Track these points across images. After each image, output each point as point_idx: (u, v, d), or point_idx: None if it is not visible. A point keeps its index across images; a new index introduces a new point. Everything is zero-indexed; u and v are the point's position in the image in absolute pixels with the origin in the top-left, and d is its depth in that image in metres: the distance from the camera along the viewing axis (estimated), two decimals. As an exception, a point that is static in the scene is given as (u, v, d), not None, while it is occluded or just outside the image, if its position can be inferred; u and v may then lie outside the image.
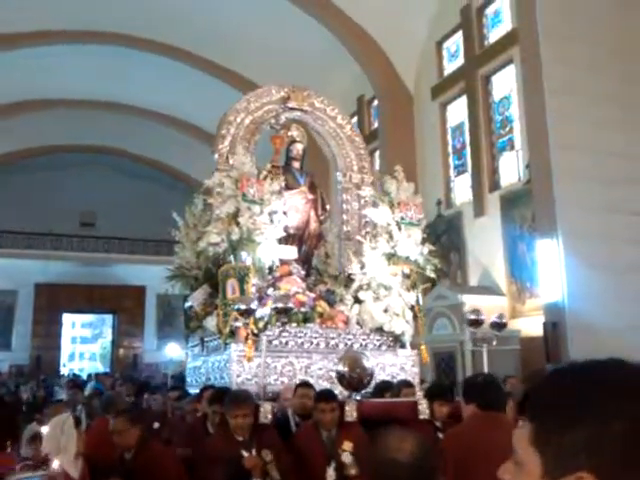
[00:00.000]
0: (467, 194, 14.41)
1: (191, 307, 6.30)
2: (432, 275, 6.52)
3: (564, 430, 0.81)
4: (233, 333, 5.63)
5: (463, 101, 14.70)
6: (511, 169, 13.40)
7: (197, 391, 5.84)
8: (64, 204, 25.34)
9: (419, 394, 5.27)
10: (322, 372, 5.85)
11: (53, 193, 25.50)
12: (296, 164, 7.14)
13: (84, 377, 18.74)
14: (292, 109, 7.02)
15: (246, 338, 5.37)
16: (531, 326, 11.25)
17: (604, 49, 11.13)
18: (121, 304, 25.80)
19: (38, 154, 24.52)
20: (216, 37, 17.03)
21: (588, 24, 11.16)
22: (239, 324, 5.44)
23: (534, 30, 11.22)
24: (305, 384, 5.04)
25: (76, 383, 12.90)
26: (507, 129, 13.74)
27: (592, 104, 10.79)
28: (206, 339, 6.36)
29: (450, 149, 15.40)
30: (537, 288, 11.40)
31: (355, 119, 18.00)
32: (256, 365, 5.43)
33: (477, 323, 5.62)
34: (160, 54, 18.19)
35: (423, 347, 6.43)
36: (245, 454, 3.91)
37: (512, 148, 13.52)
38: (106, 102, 21.30)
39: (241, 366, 5.53)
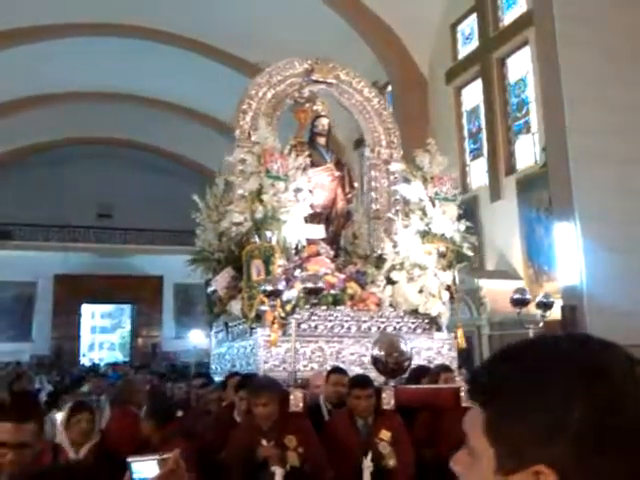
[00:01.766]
0: (483, 178, 14.29)
1: (214, 291, 6.02)
2: (469, 253, 6.17)
3: (518, 417, 0.70)
4: (259, 317, 5.35)
5: (478, 84, 14.51)
6: (527, 152, 13.24)
7: (222, 379, 5.59)
8: (81, 196, 25.62)
9: (458, 379, 4.92)
10: (354, 357, 5.54)
11: (70, 185, 25.75)
12: (321, 140, 6.79)
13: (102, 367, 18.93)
14: (316, 82, 6.68)
15: (272, 322, 5.09)
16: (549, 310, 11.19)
17: (620, 31, 10.95)
18: (139, 294, 26.03)
19: (53, 147, 24.72)
20: (231, 28, 16.92)
21: (603, 5, 10.98)
22: (265, 307, 5.17)
23: (549, 11, 11.05)
24: (338, 370, 4.72)
25: (97, 372, 13.05)
26: (523, 112, 13.56)
27: (608, 86, 10.62)
28: (231, 324, 6.08)
29: (466, 133, 15.25)
30: (554, 272, 11.31)
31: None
32: (284, 351, 5.16)
33: (523, 303, 5.24)
34: (175, 45, 18.17)
35: (460, 331, 6.03)
36: (264, 443, 3.73)
37: (528, 131, 13.36)
38: (120, 94, 21.31)
39: (268, 352, 5.23)
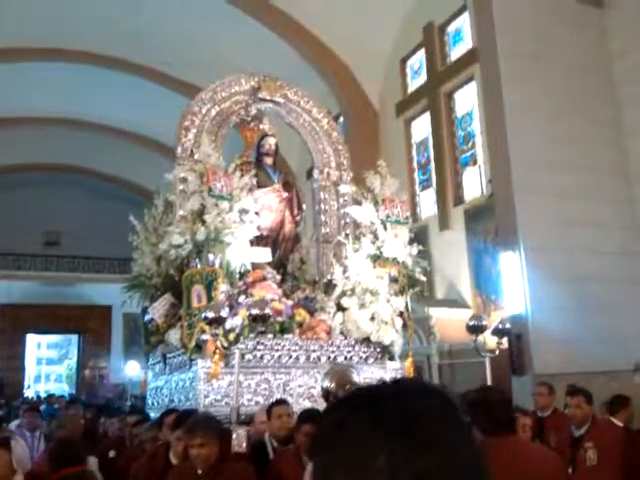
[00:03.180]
0: (432, 208, 14.59)
1: (151, 320, 5.62)
2: (422, 277, 5.99)
3: (332, 468, 0.74)
4: (200, 347, 4.97)
5: (427, 117, 14.85)
6: (474, 184, 13.58)
7: (158, 415, 5.08)
8: (27, 223, 24.88)
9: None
10: (302, 390, 5.21)
11: (16, 212, 25.00)
12: (268, 160, 6.56)
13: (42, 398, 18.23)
14: (263, 100, 6.46)
15: (214, 352, 4.70)
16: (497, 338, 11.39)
17: (560, 67, 11.46)
18: (87, 324, 25.39)
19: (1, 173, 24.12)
20: (182, 55, 17.00)
21: (544, 44, 11.50)
22: (206, 337, 4.79)
23: (493, 49, 11.50)
24: (280, 402, 4.38)
25: (34, 406, 12.45)
26: (470, 144, 13.95)
27: (550, 120, 11.08)
28: (169, 355, 5.65)
29: (415, 164, 15.61)
30: (501, 301, 11.58)
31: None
32: (227, 384, 4.80)
33: (479, 330, 5.05)
34: (123, 70, 18.10)
35: (409, 360, 5.80)
36: None
37: (475, 163, 13.72)
38: (70, 119, 21.06)
39: (209, 385, 4.84)
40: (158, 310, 5.46)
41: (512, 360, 10.00)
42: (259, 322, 4.62)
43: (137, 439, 4.82)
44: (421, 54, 15.27)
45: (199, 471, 3.40)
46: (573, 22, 11.88)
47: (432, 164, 14.69)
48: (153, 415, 5.53)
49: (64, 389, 25.40)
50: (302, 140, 7.10)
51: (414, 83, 15.58)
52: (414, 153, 15.58)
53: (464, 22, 14.11)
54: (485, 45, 11.98)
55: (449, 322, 11.89)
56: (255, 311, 4.56)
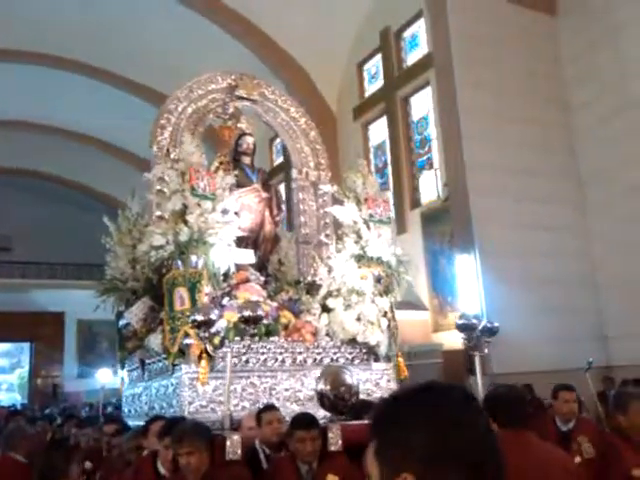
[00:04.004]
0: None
1: (127, 325, 5.41)
2: (408, 277, 5.95)
3: (391, 443, 1.05)
4: (183, 352, 4.77)
5: (384, 121, 15.03)
6: (430, 187, 13.79)
7: (137, 423, 4.92)
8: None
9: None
10: (289, 393, 5.09)
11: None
12: (246, 159, 6.44)
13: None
14: (240, 98, 6.35)
15: (199, 357, 4.53)
16: (453, 339, 11.58)
17: (512, 73, 11.76)
18: (39, 331, 24.56)
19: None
20: (143, 60, 16.74)
21: (498, 50, 11.76)
22: (190, 341, 4.61)
23: (448, 54, 11.70)
24: (269, 407, 4.27)
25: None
26: (426, 148, 14.14)
27: (504, 124, 11.33)
28: (148, 361, 5.43)
29: (373, 168, 15.74)
30: (457, 302, 11.77)
31: (279, 139, 18.16)
32: (212, 389, 4.65)
33: (469, 328, 4.96)
34: (83, 75, 17.69)
35: (400, 359, 5.74)
36: None
37: (431, 167, 13.91)
38: (24, 122, 20.46)
39: (194, 391, 4.66)
40: (136, 314, 5.27)
41: (467, 360, 10.16)
42: (250, 324, 4.46)
43: (117, 449, 4.58)
44: (378, 59, 15.41)
45: None
46: (526, 29, 12.21)
47: (389, 168, 14.83)
48: (131, 423, 5.33)
49: (16, 398, 24.67)
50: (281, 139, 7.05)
51: (371, 87, 15.72)
52: (372, 156, 15.70)
53: (420, 28, 14.31)
54: (440, 51, 12.17)
55: (407, 324, 12.01)
56: (247, 313, 4.40)
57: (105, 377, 15.70)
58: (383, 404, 1.12)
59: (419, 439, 1.02)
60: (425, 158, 14.14)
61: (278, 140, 18.41)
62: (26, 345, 25.91)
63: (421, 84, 14.00)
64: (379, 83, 15.38)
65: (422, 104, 14.22)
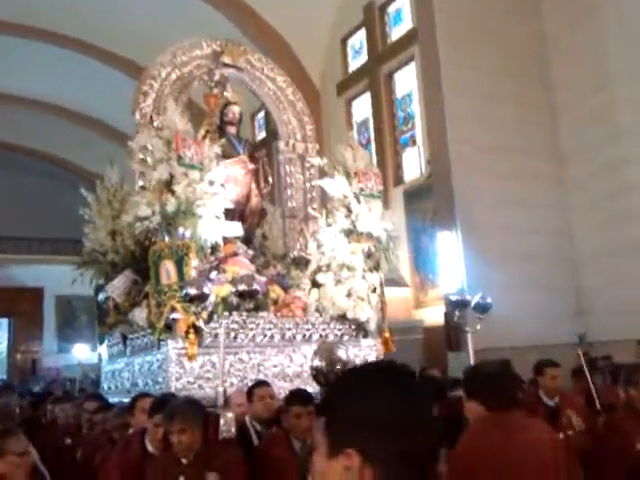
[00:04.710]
0: (372, 188, 14.72)
1: (107, 299, 5.23)
2: (399, 252, 5.91)
3: (336, 419, 1.09)
4: (169, 327, 4.62)
5: (367, 98, 14.89)
6: (414, 164, 13.77)
7: (118, 400, 4.77)
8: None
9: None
10: (277, 370, 4.99)
11: None
12: (232, 129, 6.21)
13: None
14: (226, 65, 6.13)
15: (187, 332, 4.41)
16: (434, 316, 11.71)
17: (496, 51, 11.73)
18: (17, 307, 24.25)
19: None
20: (118, 28, 16.33)
21: (482, 28, 11.72)
22: (177, 315, 4.47)
23: (432, 31, 11.61)
24: (261, 383, 4.21)
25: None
26: (409, 125, 14.08)
27: (487, 102, 11.32)
28: (130, 336, 5.25)
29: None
30: (439, 279, 11.86)
31: (262, 113, 18.01)
32: (199, 365, 4.55)
33: (462, 304, 4.90)
34: (55, 44, 17.28)
35: (387, 335, 5.62)
36: None
37: (414, 144, 13.85)
38: (6, 95, 20.05)
39: (181, 367, 4.54)
40: (118, 288, 5.09)
41: (448, 336, 10.29)
42: (246, 299, 4.31)
43: (99, 427, 4.41)
44: (362, 34, 15.21)
45: (183, 460, 3.14)
46: (510, 7, 12.15)
47: (372, 144, 14.78)
48: (112, 400, 5.16)
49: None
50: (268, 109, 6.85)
51: (355, 63, 15.53)
52: (355, 133, 15.61)
53: (404, 3, 14.16)
54: (424, 27, 12.07)
55: (388, 300, 12.09)
56: (243, 287, 4.24)
57: (82, 352, 15.48)
58: (334, 382, 1.16)
59: (363, 417, 1.05)
60: (408, 135, 14.09)
61: (261, 115, 18.24)
62: (4, 321, 25.69)
63: (405, 60, 13.88)
64: (363, 58, 15.23)
65: (406, 81, 14.11)
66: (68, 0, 15.52)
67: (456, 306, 4.92)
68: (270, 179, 6.32)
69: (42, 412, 6.15)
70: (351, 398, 1.08)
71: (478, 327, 4.84)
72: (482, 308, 4.89)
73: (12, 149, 24.22)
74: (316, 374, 4.20)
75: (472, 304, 4.88)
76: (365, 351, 5.46)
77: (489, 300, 4.94)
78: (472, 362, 4.62)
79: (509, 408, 2.55)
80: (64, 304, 24.08)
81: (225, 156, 5.81)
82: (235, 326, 4.91)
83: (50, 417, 5.57)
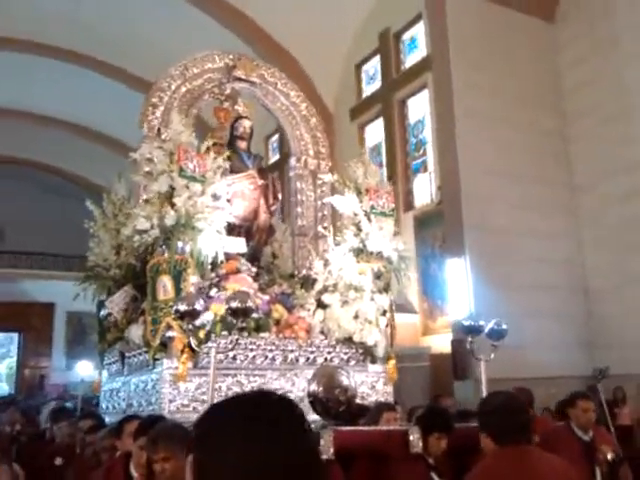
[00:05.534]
0: (383, 213, 14.70)
1: (108, 315, 5.07)
2: (410, 274, 5.67)
3: (204, 456, 0.98)
4: (165, 345, 4.42)
5: (380, 123, 14.95)
6: (424, 190, 13.74)
7: (114, 420, 4.52)
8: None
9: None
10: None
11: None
12: (242, 144, 6.08)
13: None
14: (238, 79, 6.01)
15: (182, 351, 4.20)
16: (442, 343, 11.58)
17: (509, 76, 11.72)
18: (28, 322, 24.37)
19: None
20: (130, 47, 16.65)
21: (495, 53, 11.74)
22: (173, 333, 4.27)
23: (446, 58, 11.68)
24: None
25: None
26: (421, 151, 14.09)
27: (499, 129, 11.33)
28: (128, 354, 5.07)
29: (367, 169, 15.67)
30: (447, 306, 11.74)
31: (276, 137, 18.14)
32: (195, 387, 4.34)
33: (475, 330, 4.62)
34: (70, 62, 17.49)
35: (393, 362, 5.35)
36: None
37: (425, 170, 13.85)
38: (16, 111, 20.21)
39: (175, 388, 4.33)
40: (117, 304, 4.92)
41: (455, 364, 10.15)
42: (239, 316, 4.02)
43: (91, 448, 4.23)
44: (376, 60, 15.33)
45: None
46: (524, 34, 12.17)
47: (384, 169, 14.78)
48: (108, 420, 4.97)
49: (4, 388, 24.59)
50: (280, 124, 6.70)
51: (369, 88, 15.62)
52: (367, 157, 15.60)
53: (419, 30, 14.26)
54: (438, 53, 12.12)
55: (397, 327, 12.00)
56: (235, 304, 3.97)
57: (85, 370, 15.28)
58: (203, 414, 1.06)
59: (227, 456, 0.96)
60: (420, 161, 14.10)
61: (275, 137, 18.38)
62: (15, 335, 25.79)
63: (419, 87, 13.93)
64: (377, 84, 15.33)
65: (419, 107, 14.15)
66: (82, 19, 15.78)
67: (469, 332, 4.60)
68: (279, 195, 6.16)
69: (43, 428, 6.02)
70: (218, 436, 0.99)
71: (492, 356, 4.55)
72: (497, 335, 4.60)
73: (23, 164, 24.56)
74: (313, 401, 3.92)
75: (486, 330, 4.60)
76: (372, 377, 5.21)
77: (504, 326, 4.63)
78: (484, 392, 4.38)
79: (519, 443, 2.41)
80: (75, 320, 24.15)
81: (234, 171, 5.68)
82: (233, 346, 4.64)
83: (49, 435, 5.43)
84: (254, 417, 0.98)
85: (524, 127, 11.59)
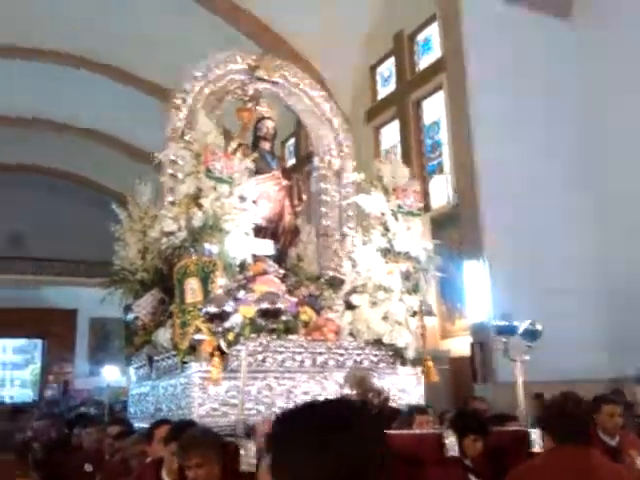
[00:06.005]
0: (400, 215, 14.66)
1: (135, 319, 5.02)
2: (438, 274, 5.59)
3: (277, 461, 1.08)
4: (194, 348, 4.34)
5: (396, 125, 14.91)
6: (441, 192, 13.69)
7: (142, 425, 4.52)
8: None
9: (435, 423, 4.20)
10: (308, 397, 4.65)
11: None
12: (266, 145, 6.04)
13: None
14: (261, 80, 5.96)
15: (212, 354, 4.13)
16: (460, 346, 11.50)
17: (524, 77, 11.64)
18: (51, 328, 24.49)
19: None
20: (149, 55, 16.85)
21: (509, 54, 11.65)
22: (202, 336, 4.19)
23: (460, 59, 11.64)
24: None
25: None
26: (437, 153, 14.04)
27: (515, 130, 11.26)
28: (156, 358, 5.00)
29: (383, 171, 15.64)
30: (466, 308, 11.68)
31: (292, 140, 18.19)
32: (225, 390, 4.25)
33: (509, 331, 4.51)
34: (91, 71, 17.73)
35: (430, 363, 5.30)
36: None
37: (441, 171, 13.77)
38: (37, 119, 20.49)
39: (205, 392, 4.26)
40: (144, 307, 4.88)
41: (474, 368, 10.09)
42: (269, 318, 3.98)
43: (119, 454, 4.19)
44: (391, 62, 15.27)
45: None
46: (540, 34, 12.09)
47: (400, 171, 14.74)
48: (137, 425, 4.93)
49: (28, 394, 24.89)
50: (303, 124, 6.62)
51: (383, 90, 15.57)
52: (382, 159, 15.58)
53: (433, 31, 14.20)
54: (452, 55, 12.10)
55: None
56: (265, 305, 3.94)
57: (111, 374, 15.27)
58: (275, 419, 1.14)
59: (295, 461, 1.03)
60: (436, 162, 14.04)
61: (291, 142, 18.43)
62: (39, 342, 26.08)
63: (433, 88, 13.85)
64: (391, 87, 15.29)
65: (434, 108, 14.08)
66: (106, 30, 15.97)
67: (502, 332, 4.49)
68: (304, 196, 6.10)
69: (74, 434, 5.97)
70: (287, 442, 1.07)
71: (527, 357, 4.44)
72: (532, 335, 4.49)
73: (50, 173, 24.83)
74: (346, 403, 3.89)
75: (520, 331, 4.49)
76: (403, 380, 5.13)
77: (539, 327, 4.53)
78: (521, 395, 4.27)
79: (578, 443, 2.46)
80: (98, 326, 24.35)
81: (258, 172, 5.63)
82: (262, 349, 4.62)
83: (77, 441, 5.41)
84: (329, 425, 1.05)
85: (540, 127, 11.49)
